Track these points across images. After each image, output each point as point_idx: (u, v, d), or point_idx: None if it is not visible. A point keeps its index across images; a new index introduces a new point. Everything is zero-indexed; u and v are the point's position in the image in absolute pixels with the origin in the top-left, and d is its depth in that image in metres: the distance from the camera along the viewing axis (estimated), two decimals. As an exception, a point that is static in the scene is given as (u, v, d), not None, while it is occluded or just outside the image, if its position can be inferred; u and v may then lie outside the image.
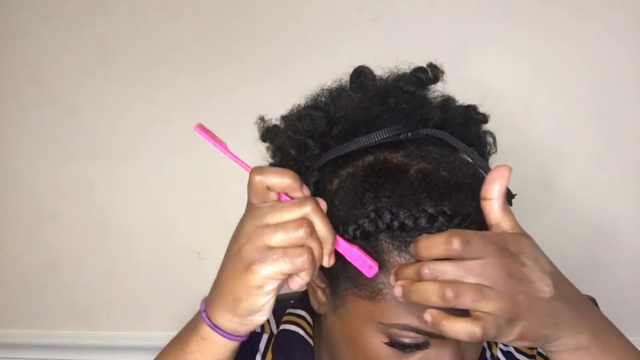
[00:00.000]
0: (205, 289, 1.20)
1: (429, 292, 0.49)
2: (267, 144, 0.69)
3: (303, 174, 0.64)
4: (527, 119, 1.03)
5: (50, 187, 1.19)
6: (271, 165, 0.68)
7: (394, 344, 0.56)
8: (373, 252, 0.56)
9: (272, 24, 1.09)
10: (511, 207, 0.59)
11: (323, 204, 0.54)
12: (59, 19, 1.16)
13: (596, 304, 0.88)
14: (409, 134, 0.61)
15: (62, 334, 1.21)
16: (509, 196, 0.62)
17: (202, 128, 0.59)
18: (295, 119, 0.65)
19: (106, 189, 1.17)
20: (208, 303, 0.59)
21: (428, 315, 0.50)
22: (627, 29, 1.00)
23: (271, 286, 0.52)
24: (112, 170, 1.16)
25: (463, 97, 0.68)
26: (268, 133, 0.68)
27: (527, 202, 1.00)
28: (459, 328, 0.48)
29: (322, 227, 0.52)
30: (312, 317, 0.72)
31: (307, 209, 0.52)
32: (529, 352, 0.73)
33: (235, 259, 0.54)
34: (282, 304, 0.74)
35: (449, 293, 0.48)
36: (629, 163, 1.02)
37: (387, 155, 0.59)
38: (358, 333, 0.58)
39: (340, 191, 0.59)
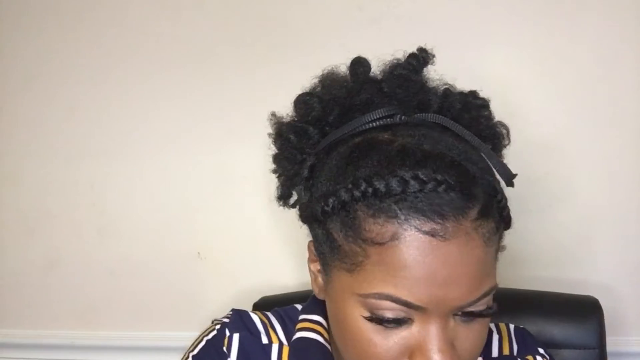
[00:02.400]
0: (205, 289, 1.21)
1: None
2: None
3: (303, 161, 0.65)
4: (528, 117, 1.02)
5: (50, 187, 1.18)
6: (275, 155, 0.68)
7: (373, 318, 0.55)
8: (351, 223, 0.55)
9: (272, 24, 1.09)
10: (509, 200, 0.59)
11: None
12: (58, 18, 1.16)
13: (599, 305, 0.88)
14: (403, 116, 0.61)
15: (62, 334, 1.21)
16: (510, 176, 0.61)
17: None
18: (293, 106, 0.67)
19: (106, 189, 1.17)
20: None
21: None
22: (628, 26, 0.99)
23: None
24: (112, 170, 1.16)
25: (463, 97, 0.68)
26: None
27: (526, 200, 1.00)
28: None
29: None
30: (327, 321, 0.69)
31: None
32: None
33: None
34: (285, 310, 0.72)
35: None
36: (629, 161, 1.02)
37: (375, 135, 0.59)
38: (342, 308, 0.57)
39: (326, 167, 0.60)
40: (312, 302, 0.71)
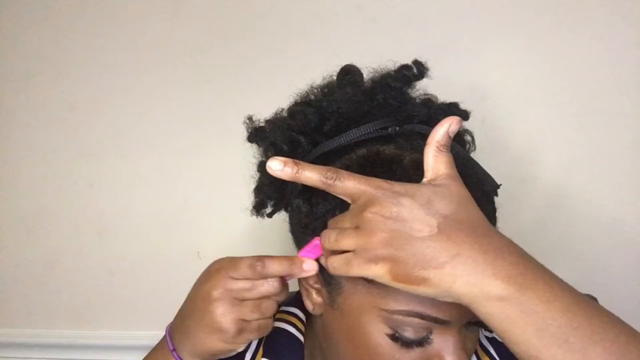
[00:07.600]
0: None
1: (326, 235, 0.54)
2: (257, 143, 0.70)
3: None
4: (525, 117, 1.02)
5: (48, 186, 1.19)
6: (260, 163, 0.70)
7: (397, 339, 0.56)
8: None
9: (271, 24, 1.09)
10: (496, 198, 0.59)
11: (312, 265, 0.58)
12: (59, 18, 1.16)
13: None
14: (397, 128, 0.62)
15: (62, 334, 1.21)
16: (493, 187, 0.62)
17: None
18: (288, 115, 0.66)
19: (105, 189, 1.17)
20: (175, 338, 0.63)
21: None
22: (629, 27, 0.99)
23: (242, 347, 0.59)
24: (111, 170, 1.16)
25: (461, 96, 0.68)
26: (256, 133, 0.70)
27: (523, 200, 1.00)
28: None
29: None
30: (305, 315, 0.72)
31: (276, 289, 0.58)
32: None
33: (207, 317, 0.58)
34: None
35: (323, 237, 0.54)
36: (628, 161, 1.02)
37: (380, 148, 0.60)
38: (358, 324, 0.58)
39: None
40: (293, 297, 0.73)
